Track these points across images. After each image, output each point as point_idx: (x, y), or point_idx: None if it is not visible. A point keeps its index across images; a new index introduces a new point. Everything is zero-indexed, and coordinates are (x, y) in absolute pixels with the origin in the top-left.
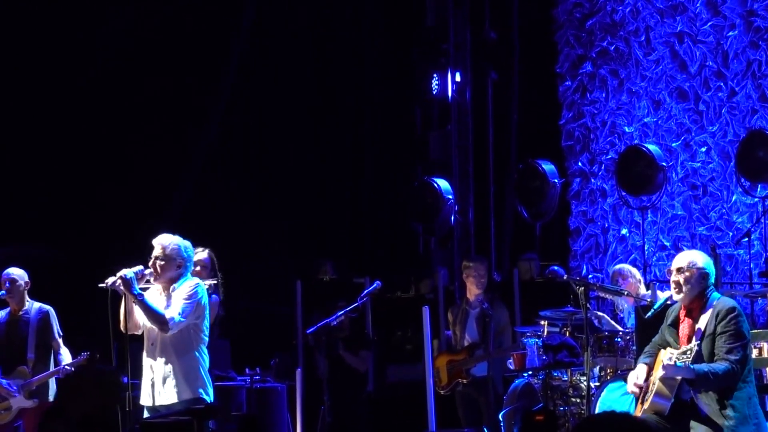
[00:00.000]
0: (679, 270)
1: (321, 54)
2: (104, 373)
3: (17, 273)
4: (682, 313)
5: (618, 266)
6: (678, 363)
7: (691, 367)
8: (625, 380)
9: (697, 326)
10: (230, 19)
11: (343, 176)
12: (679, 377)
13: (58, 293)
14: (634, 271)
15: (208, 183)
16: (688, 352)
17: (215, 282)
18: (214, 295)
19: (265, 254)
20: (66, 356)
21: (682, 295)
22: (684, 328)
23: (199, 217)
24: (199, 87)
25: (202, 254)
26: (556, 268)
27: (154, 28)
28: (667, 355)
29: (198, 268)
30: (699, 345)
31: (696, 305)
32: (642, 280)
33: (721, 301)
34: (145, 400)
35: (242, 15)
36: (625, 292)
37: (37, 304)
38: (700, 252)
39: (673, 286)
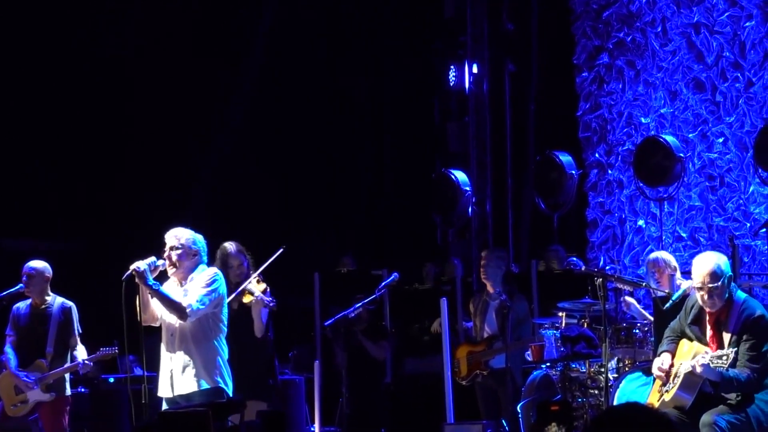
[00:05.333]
0: (708, 289)
1: (340, 46)
2: None
3: (38, 265)
4: (709, 316)
5: (653, 255)
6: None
7: (719, 371)
8: (644, 372)
9: (723, 333)
10: (250, 15)
11: (362, 168)
12: (705, 376)
13: (78, 287)
14: (669, 258)
15: (228, 176)
16: (724, 358)
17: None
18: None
19: (283, 246)
20: (81, 353)
21: (713, 307)
22: (709, 330)
23: (219, 209)
24: (221, 79)
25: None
26: (574, 259)
27: (175, 22)
28: (700, 356)
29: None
30: (735, 352)
31: (723, 309)
32: (678, 268)
33: (749, 306)
34: (163, 391)
35: (261, 10)
36: (643, 284)
37: (59, 299)
38: (714, 254)
39: (700, 301)
